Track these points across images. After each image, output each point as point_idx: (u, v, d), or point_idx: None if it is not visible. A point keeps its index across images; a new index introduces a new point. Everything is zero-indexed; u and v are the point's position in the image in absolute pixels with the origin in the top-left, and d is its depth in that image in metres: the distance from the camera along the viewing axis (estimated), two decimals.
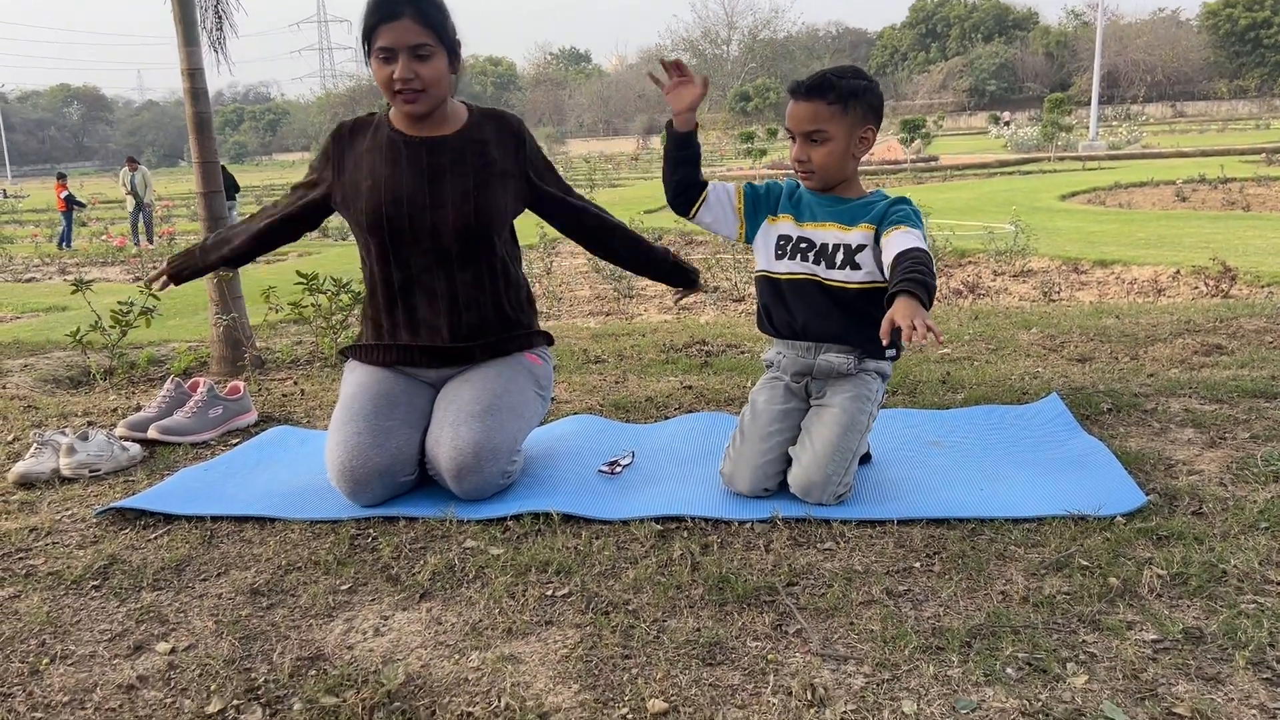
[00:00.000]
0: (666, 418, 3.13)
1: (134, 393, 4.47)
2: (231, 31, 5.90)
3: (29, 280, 14.82)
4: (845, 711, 1.51)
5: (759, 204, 2.52)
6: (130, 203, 18.67)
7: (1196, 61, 65.89)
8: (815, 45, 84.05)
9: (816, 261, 2.41)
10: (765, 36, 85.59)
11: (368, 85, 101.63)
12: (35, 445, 2.85)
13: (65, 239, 19.27)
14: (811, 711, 1.51)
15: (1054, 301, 7.79)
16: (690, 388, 3.49)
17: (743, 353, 4.20)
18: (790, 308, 2.47)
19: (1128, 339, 3.98)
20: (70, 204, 19.69)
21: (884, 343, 2.02)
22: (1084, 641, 1.67)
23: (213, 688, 1.68)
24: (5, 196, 44.69)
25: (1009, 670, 1.59)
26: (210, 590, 2.05)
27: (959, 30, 74.83)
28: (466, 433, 2.40)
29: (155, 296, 3.40)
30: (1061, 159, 30.04)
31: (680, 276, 2.86)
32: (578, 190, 2.76)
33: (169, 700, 1.66)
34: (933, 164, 29.99)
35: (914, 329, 1.94)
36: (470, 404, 2.47)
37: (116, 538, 2.34)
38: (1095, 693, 1.52)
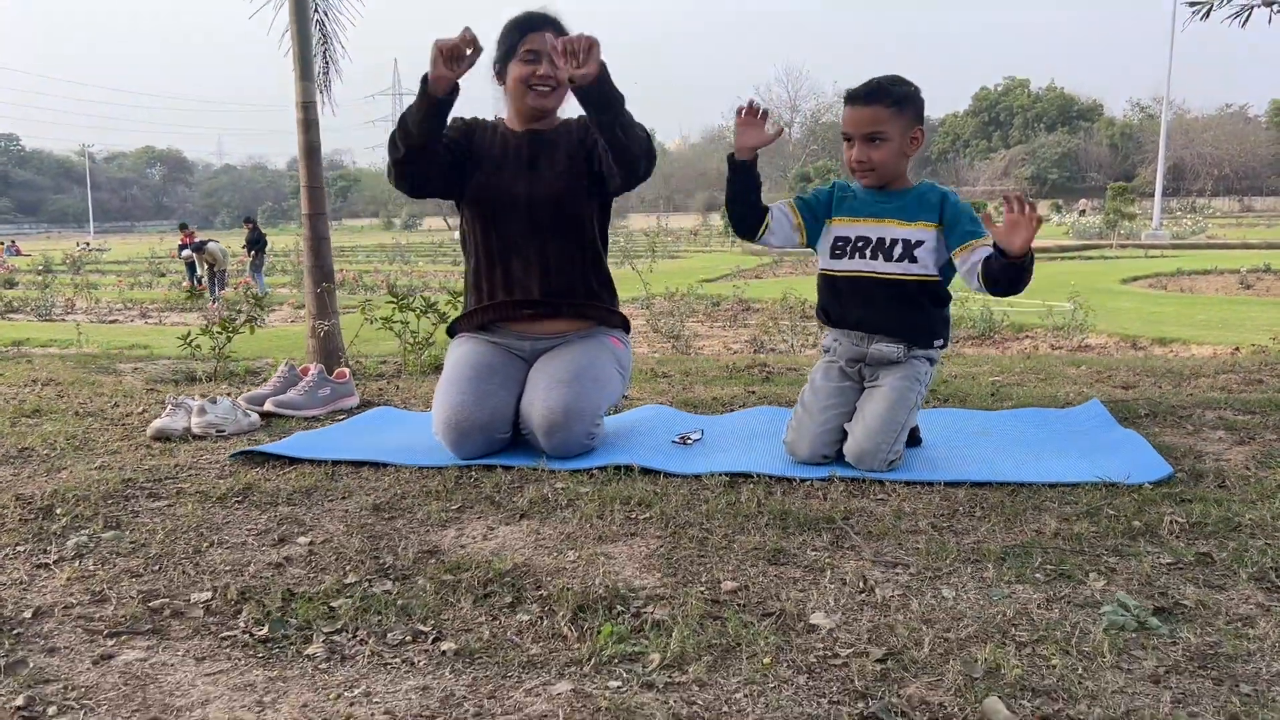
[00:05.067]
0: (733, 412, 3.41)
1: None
2: (337, 76, 6.42)
3: (111, 321, 15.58)
4: (891, 595, 1.76)
5: (815, 210, 2.83)
6: (206, 269, 19.21)
7: (1265, 157, 65.46)
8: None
9: (874, 256, 2.70)
10: (828, 120, 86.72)
11: None
12: (170, 406, 3.21)
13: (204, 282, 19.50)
14: (862, 595, 1.77)
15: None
16: (754, 392, 3.77)
17: (803, 375, 4.46)
18: (846, 302, 2.75)
19: (1173, 374, 4.19)
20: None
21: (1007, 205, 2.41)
22: (1106, 561, 1.90)
23: (348, 567, 1.97)
24: (89, 248, 46.77)
25: (1038, 576, 1.83)
26: (338, 507, 2.36)
27: (1022, 119, 75.31)
28: (557, 395, 2.71)
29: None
30: (1124, 246, 30.04)
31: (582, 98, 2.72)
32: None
33: (312, 575, 1.95)
34: None
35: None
36: (560, 372, 2.79)
37: (251, 472, 2.67)
38: (1112, 592, 1.75)
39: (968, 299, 11.73)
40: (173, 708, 1.43)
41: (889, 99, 2.63)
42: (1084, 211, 49.20)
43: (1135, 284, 18.13)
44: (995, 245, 2.47)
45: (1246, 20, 4.91)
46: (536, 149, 2.95)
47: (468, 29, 2.67)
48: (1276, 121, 66.82)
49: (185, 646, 1.64)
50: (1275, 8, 4.62)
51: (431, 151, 2.81)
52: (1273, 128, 66.95)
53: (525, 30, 2.90)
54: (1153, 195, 41.13)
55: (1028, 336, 11.24)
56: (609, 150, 2.76)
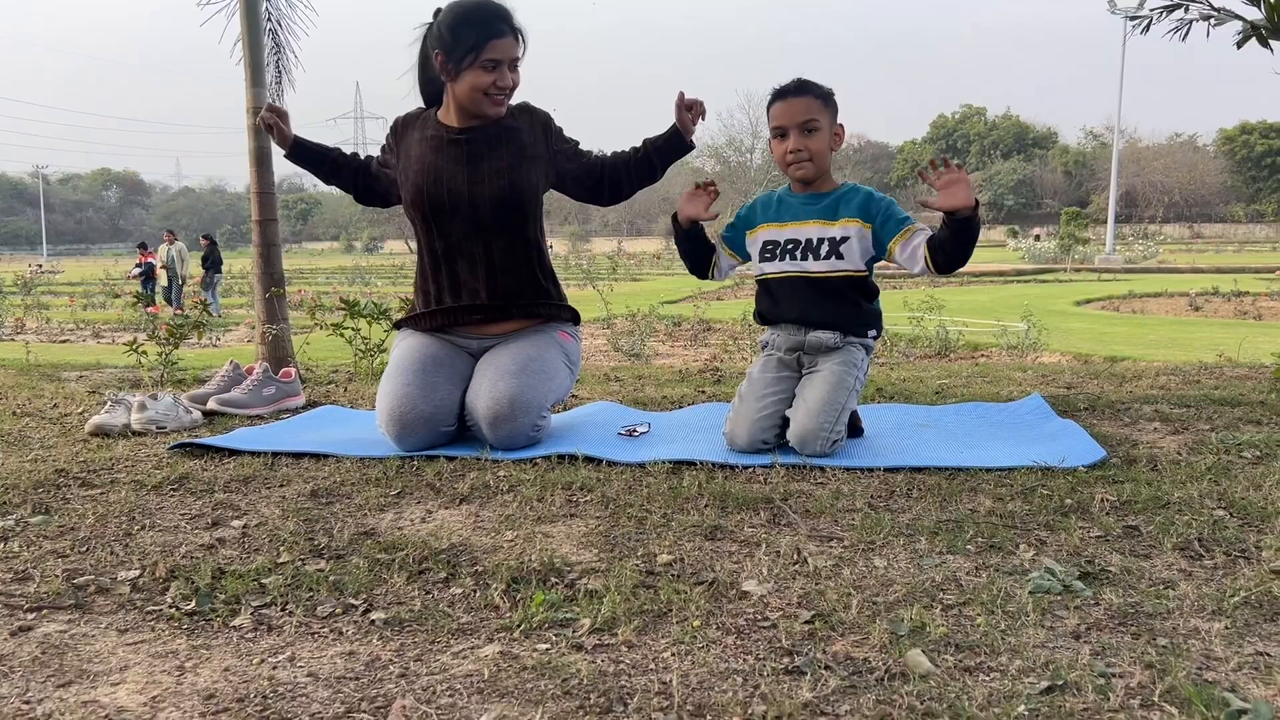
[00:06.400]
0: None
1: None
2: (290, 86, 6.39)
3: (63, 341, 15.33)
4: (824, 566, 1.77)
5: (737, 232, 2.96)
6: (165, 276, 19.23)
7: (1214, 185, 66.98)
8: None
9: (803, 257, 2.76)
10: None
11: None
12: (110, 402, 3.16)
13: (166, 298, 19.58)
14: (795, 566, 1.77)
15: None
16: (704, 392, 3.78)
17: None
18: (780, 302, 2.82)
19: (1115, 377, 4.26)
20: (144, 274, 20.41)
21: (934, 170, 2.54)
22: (1037, 534, 1.93)
23: (282, 548, 1.95)
24: (41, 271, 46.21)
25: (969, 548, 1.85)
26: (275, 494, 2.33)
27: (978, 146, 76.54)
28: (504, 386, 2.70)
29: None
30: (1078, 270, 30.54)
31: (670, 144, 2.98)
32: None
33: (244, 555, 1.92)
34: None
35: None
36: (507, 364, 2.78)
37: (188, 463, 2.64)
38: (1040, 561, 1.77)
39: (923, 317, 11.90)
40: (89, 673, 1.41)
41: (817, 91, 2.73)
42: (1038, 237, 50.02)
43: (1088, 306, 18.44)
44: (944, 213, 2.54)
45: (1186, 34, 5.03)
46: (478, 146, 2.92)
47: (266, 108, 3.08)
48: (1224, 150, 68.41)
49: (108, 620, 1.61)
50: (1212, 21, 4.73)
51: (358, 186, 3.13)
52: (1221, 156, 68.54)
53: (489, 35, 2.80)
54: (1106, 221, 41.92)
55: (983, 355, 11.37)
56: (628, 180, 2.98)
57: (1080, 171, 69.87)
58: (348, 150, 3.20)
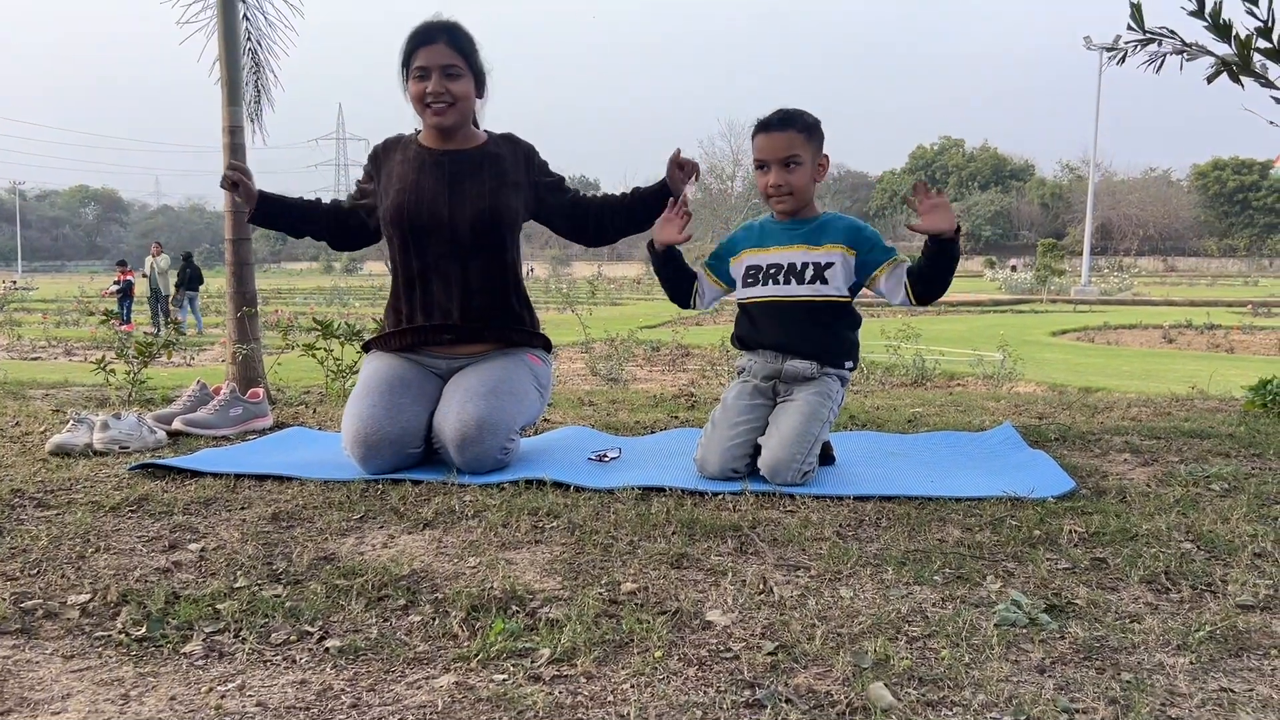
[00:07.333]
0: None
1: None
2: (269, 105, 6.36)
3: (34, 359, 15.15)
4: (790, 596, 1.74)
5: (721, 260, 2.93)
6: (147, 285, 19.17)
7: (1187, 219, 67.85)
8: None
9: (786, 281, 2.75)
10: None
11: None
12: (72, 421, 3.11)
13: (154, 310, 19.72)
14: (761, 595, 1.75)
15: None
16: (678, 418, 3.76)
17: None
18: (761, 327, 2.80)
19: (1087, 408, 4.27)
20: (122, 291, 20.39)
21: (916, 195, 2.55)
22: (1005, 565, 1.91)
23: (239, 573, 1.91)
24: (16, 287, 45.96)
25: (936, 578, 1.83)
26: (235, 517, 2.29)
27: (957, 178, 77.23)
28: (472, 408, 2.68)
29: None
30: (1054, 301, 30.79)
31: (656, 198, 2.95)
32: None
33: (200, 580, 1.88)
34: None
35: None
36: (476, 386, 2.76)
37: (148, 484, 2.59)
38: (1007, 593, 1.75)
39: (900, 346, 11.95)
40: (30, 701, 1.36)
41: (801, 124, 2.71)
42: (1015, 268, 50.44)
43: (1064, 337, 18.57)
44: (927, 236, 2.57)
45: (1160, 67, 5.08)
46: (459, 168, 2.90)
47: (228, 168, 3.01)
48: (1198, 185, 69.34)
49: (54, 646, 1.57)
50: (1185, 56, 4.79)
51: (333, 232, 3.09)
52: (1194, 191, 69.46)
53: (415, 45, 2.84)
54: (1082, 253, 42.35)
55: (959, 384, 11.42)
56: (612, 223, 3.00)
57: (1056, 204, 70.62)
58: (324, 194, 3.20)
